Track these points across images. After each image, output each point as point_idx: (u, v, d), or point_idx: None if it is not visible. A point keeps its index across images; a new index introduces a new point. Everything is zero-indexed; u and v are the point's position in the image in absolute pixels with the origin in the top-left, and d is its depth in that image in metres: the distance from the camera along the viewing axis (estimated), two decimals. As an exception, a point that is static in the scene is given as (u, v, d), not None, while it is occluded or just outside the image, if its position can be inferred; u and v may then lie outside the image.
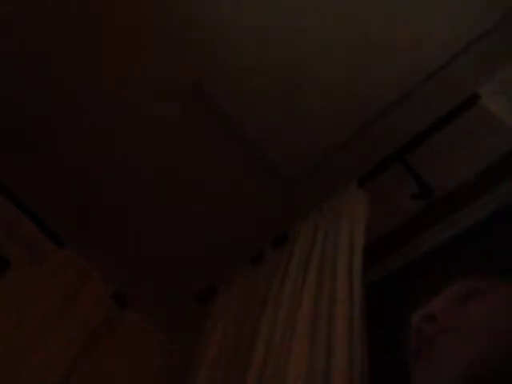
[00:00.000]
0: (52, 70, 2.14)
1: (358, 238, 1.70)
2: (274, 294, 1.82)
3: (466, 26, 1.74)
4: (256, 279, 2.02)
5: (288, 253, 1.92)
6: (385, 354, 1.65)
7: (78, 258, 2.24)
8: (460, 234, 1.72)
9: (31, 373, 1.91)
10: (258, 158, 2.16)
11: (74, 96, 2.18)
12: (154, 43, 2.02)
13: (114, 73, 2.11)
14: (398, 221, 1.89)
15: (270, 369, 1.62)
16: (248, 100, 2.05)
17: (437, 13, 1.75)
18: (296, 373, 1.53)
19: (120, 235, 2.40)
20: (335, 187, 1.93)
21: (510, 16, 1.68)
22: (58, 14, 2.00)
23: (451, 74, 1.79)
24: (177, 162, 2.25)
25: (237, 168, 2.22)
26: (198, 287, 2.31)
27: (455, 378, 0.98)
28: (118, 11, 1.98)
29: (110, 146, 2.26)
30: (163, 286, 2.39)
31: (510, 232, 1.55)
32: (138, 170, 2.29)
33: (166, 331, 2.42)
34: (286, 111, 2.03)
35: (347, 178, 1.91)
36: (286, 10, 1.85)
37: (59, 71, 2.13)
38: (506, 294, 1.09)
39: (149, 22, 1.98)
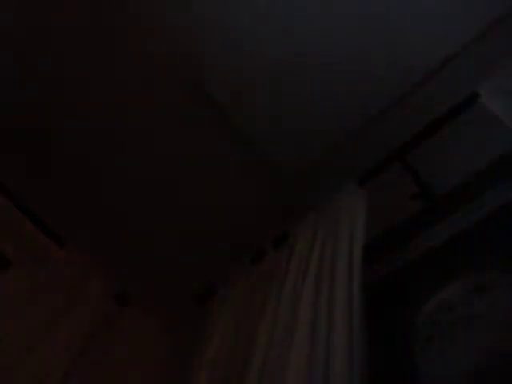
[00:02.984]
0: (49, 68, 2.14)
1: (358, 237, 1.70)
2: (274, 293, 1.82)
3: (466, 25, 1.74)
4: (256, 279, 2.02)
5: (288, 253, 1.92)
6: (385, 353, 1.65)
7: (79, 257, 2.24)
8: (460, 234, 1.72)
9: (32, 372, 1.91)
10: (258, 157, 2.17)
11: (72, 96, 2.18)
12: (154, 44, 2.02)
13: (113, 73, 2.11)
14: (397, 220, 1.89)
15: (270, 369, 1.62)
16: (248, 100, 2.05)
17: (437, 13, 1.75)
18: (296, 373, 1.53)
19: (120, 235, 2.40)
20: (335, 187, 1.94)
21: (509, 16, 1.68)
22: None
23: (451, 73, 1.79)
24: (177, 162, 2.26)
25: (237, 168, 2.22)
26: (197, 287, 2.31)
27: (469, 367, 1.00)
28: (117, 11, 1.98)
29: (110, 146, 2.26)
30: (163, 285, 2.39)
31: (509, 231, 1.55)
32: (138, 169, 2.29)
33: (167, 331, 2.42)
34: (286, 111, 2.04)
35: (347, 177, 1.91)
36: (286, 9, 1.85)
37: (56, 67, 2.13)
38: (510, 290, 1.10)
39: (149, 23, 1.99)
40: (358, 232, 1.71)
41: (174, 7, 1.92)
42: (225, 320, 2.01)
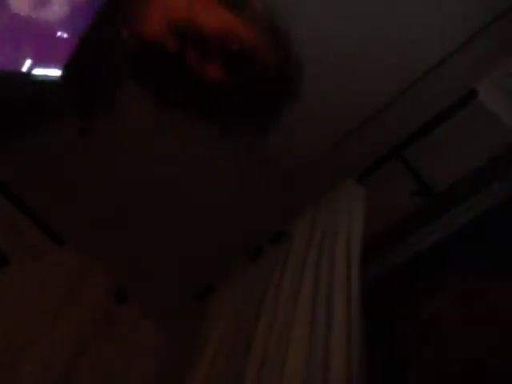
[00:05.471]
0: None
1: (356, 234, 1.69)
2: (272, 291, 1.82)
3: (465, 24, 1.74)
4: (254, 277, 2.02)
5: (286, 249, 1.92)
6: (383, 353, 1.64)
7: (78, 256, 2.24)
8: (458, 232, 1.72)
9: (31, 370, 1.91)
10: (258, 157, 2.16)
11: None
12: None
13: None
14: (396, 218, 1.89)
15: (269, 368, 1.62)
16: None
17: (436, 12, 1.75)
18: (294, 372, 1.53)
19: (120, 234, 2.40)
20: (335, 186, 1.93)
21: (507, 15, 1.68)
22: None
23: (449, 72, 1.79)
24: (177, 162, 2.25)
25: (237, 168, 2.22)
26: (197, 286, 2.31)
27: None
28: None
29: (109, 146, 2.26)
30: (163, 284, 2.39)
31: (507, 230, 1.55)
32: (138, 169, 2.29)
33: (166, 329, 2.42)
34: (285, 111, 2.03)
35: (346, 176, 1.91)
36: (286, 8, 1.84)
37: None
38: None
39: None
40: (357, 230, 1.70)
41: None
42: (224, 319, 2.01)
